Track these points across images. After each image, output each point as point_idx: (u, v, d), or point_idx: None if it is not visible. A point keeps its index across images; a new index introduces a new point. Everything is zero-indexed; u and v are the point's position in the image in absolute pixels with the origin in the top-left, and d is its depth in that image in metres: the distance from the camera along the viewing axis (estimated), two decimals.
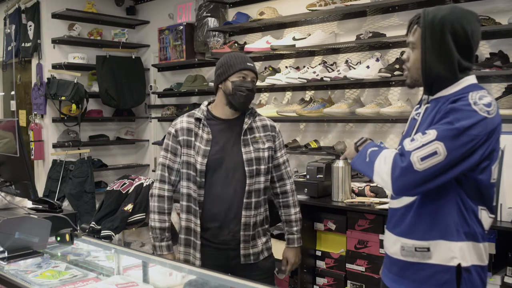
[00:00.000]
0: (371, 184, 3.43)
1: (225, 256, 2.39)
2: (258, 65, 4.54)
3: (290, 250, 2.60)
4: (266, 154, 2.44)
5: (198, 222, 2.36)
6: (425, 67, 1.72)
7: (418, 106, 1.90)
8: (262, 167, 2.42)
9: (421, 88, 1.84)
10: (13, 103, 5.68)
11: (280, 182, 2.57)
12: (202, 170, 2.35)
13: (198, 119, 2.42)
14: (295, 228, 2.58)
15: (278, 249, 3.53)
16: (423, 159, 1.61)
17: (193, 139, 2.39)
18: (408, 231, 1.77)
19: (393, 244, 1.83)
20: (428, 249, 1.72)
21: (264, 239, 2.49)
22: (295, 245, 2.58)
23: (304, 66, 4.03)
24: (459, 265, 1.69)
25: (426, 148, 1.61)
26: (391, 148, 1.78)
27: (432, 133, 1.62)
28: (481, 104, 1.63)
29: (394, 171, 1.65)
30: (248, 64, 2.39)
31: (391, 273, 1.86)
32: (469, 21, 1.71)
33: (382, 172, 1.69)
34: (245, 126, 2.41)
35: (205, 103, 2.50)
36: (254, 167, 2.38)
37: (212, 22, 4.73)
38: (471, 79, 1.75)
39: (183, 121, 2.44)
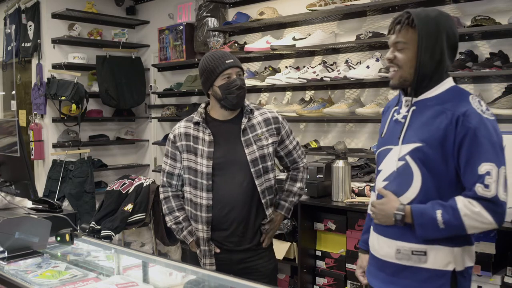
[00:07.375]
0: (371, 184, 3.43)
1: (232, 259, 2.37)
2: (258, 65, 4.54)
3: (276, 214, 2.48)
4: (271, 149, 2.41)
5: (205, 227, 2.34)
6: (419, 67, 1.73)
7: (397, 107, 1.90)
8: (269, 163, 2.40)
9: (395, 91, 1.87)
10: (13, 103, 5.67)
11: (294, 164, 2.56)
12: (209, 173, 2.32)
13: (196, 123, 2.40)
14: (291, 199, 2.53)
15: (278, 249, 3.53)
16: (505, 189, 1.64)
17: (192, 143, 2.37)
18: (405, 234, 1.74)
19: (387, 247, 1.80)
20: (425, 253, 1.72)
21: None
22: (282, 212, 2.50)
23: (304, 66, 4.02)
24: (454, 269, 1.70)
25: (501, 180, 1.63)
26: (444, 202, 1.69)
27: (493, 169, 1.61)
28: (485, 110, 1.68)
29: (498, 218, 1.63)
30: (227, 62, 2.31)
31: (381, 275, 1.83)
32: (454, 24, 1.76)
33: (482, 226, 1.65)
34: (242, 126, 2.36)
35: (203, 105, 2.47)
36: (260, 166, 2.36)
37: (212, 22, 4.73)
38: (451, 80, 1.79)
39: (180, 126, 2.43)
